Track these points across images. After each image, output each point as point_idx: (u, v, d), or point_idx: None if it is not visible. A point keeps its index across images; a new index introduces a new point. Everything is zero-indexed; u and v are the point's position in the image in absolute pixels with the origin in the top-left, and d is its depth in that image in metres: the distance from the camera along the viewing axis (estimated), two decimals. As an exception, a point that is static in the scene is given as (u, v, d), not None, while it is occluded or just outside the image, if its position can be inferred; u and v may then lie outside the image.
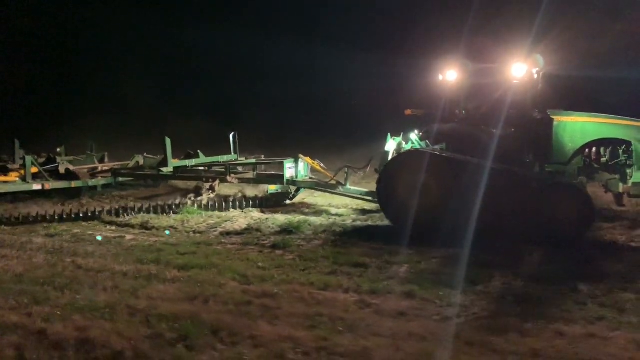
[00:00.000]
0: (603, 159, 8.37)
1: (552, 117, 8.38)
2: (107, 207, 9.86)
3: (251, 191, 11.21)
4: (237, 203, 10.41)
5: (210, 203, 10.37)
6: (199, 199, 10.71)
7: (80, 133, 15.16)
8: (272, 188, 10.73)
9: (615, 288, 5.70)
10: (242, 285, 5.92)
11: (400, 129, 9.98)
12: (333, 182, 10.47)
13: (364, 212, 10.16)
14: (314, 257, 7.02)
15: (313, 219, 9.43)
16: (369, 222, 9.36)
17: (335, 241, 7.97)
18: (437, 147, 9.00)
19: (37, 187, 10.20)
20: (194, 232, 8.70)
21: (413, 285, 5.82)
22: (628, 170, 8.12)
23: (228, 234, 8.54)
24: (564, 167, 8.46)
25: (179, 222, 9.20)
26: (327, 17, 25.76)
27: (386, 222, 8.81)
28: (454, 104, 9.03)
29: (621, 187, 8.16)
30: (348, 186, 10.32)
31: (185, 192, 11.63)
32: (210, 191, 11.08)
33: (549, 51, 8.41)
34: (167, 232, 8.64)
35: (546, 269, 6.47)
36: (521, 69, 8.23)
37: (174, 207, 9.89)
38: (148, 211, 9.73)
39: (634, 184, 8.01)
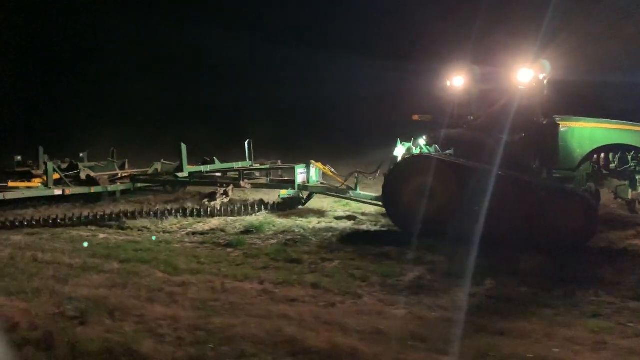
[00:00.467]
0: (612, 165, 8.31)
1: (558, 122, 8.35)
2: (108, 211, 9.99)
3: (267, 196, 11.43)
4: (250, 208, 10.62)
5: (223, 208, 10.60)
6: (212, 203, 10.96)
7: (104, 139, 15.61)
8: (284, 193, 10.91)
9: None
10: (167, 276, 6.34)
11: (411, 135, 10.06)
12: (344, 187, 10.60)
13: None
14: (257, 254, 7.40)
15: (284, 222, 9.58)
16: (364, 227, 9.40)
17: (290, 240, 8.22)
18: (447, 152, 9.06)
19: (58, 192, 10.61)
20: (164, 231, 9.00)
21: (326, 278, 6.24)
22: (637, 177, 8.05)
23: (194, 233, 8.84)
24: (573, 173, 8.42)
25: (155, 223, 9.45)
26: (338, 24, 26.05)
27: (377, 227, 8.96)
28: (461, 109, 9.07)
29: (630, 194, 8.08)
30: (358, 191, 10.43)
31: (201, 197, 11.92)
32: (224, 196, 11.32)
33: (556, 57, 8.38)
34: (154, 238, 8.63)
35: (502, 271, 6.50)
36: (527, 75, 8.24)
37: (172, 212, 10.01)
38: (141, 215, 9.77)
39: (644, 190, 7.94)
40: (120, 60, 27.42)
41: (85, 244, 8.01)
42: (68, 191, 10.77)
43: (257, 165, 12.74)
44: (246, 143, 12.95)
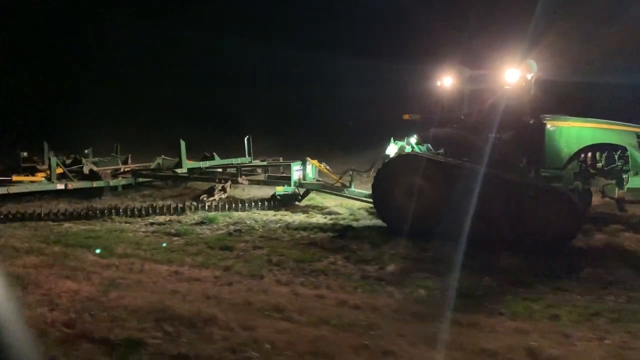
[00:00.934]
0: (599, 164, 8.37)
1: (544, 122, 8.44)
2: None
3: (266, 192, 11.68)
4: (246, 204, 10.85)
5: (220, 204, 10.84)
6: (210, 199, 11.22)
7: (110, 137, 15.93)
8: (280, 189, 11.11)
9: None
10: (97, 258, 6.83)
11: (404, 134, 10.22)
12: (338, 184, 10.79)
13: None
14: (197, 242, 7.80)
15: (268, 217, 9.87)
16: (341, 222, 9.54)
17: (237, 231, 8.58)
18: (439, 151, 9.20)
19: (60, 186, 10.93)
20: (125, 222, 9.40)
21: (243, 263, 6.72)
22: (624, 176, 8.11)
23: (152, 223, 9.22)
24: (560, 172, 8.50)
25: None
26: (334, 26, 26.46)
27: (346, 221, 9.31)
28: (451, 109, 9.20)
29: (617, 193, 8.14)
30: (352, 188, 10.62)
31: (200, 193, 12.18)
32: (222, 192, 11.56)
33: (543, 57, 8.47)
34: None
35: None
36: (514, 75, 8.34)
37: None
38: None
39: (630, 189, 8.00)
40: (128, 61, 27.92)
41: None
42: (70, 185, 11.08)
43: (256, 162, 13.00)
44: (245, 140, 13.19)
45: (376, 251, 7.43)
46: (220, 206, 10.53)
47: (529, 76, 8.49)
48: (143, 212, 9.89)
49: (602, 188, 8.42)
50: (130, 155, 13.99)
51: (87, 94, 26.38)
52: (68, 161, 12.65)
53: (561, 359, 4.04)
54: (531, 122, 8.52)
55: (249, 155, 13.08)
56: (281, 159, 13.44)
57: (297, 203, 11.35)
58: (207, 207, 10.52)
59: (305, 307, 5.14)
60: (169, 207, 10.12)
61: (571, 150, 8.38)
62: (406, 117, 9.70)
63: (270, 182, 11.40)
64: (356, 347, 4.23)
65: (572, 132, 8.39)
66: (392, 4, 24.20)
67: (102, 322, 4.63)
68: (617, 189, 8.15)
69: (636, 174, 7.97)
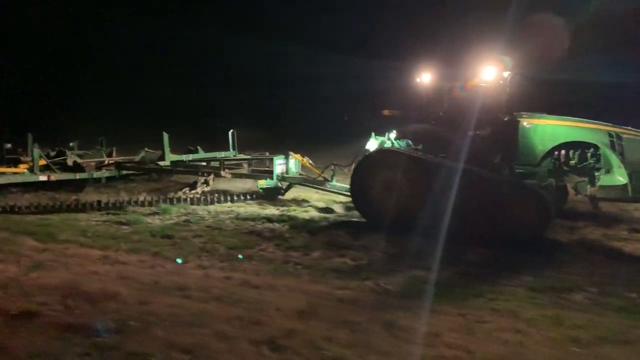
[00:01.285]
0: (572, 162, 8.52)
1: (518, 119, 8.57)
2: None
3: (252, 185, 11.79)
4: (229, 197, 10.95)
5: (202, 197, 10.92)
6: (193, 192, 11.29)
7: (99, 129, 15.96)
8: (262, 183, 11.20)
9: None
10: (38, 244, 7.22)
11: (386, 129, 10.32)
12: (320, 178, 10.90)
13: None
14: (143, 231, 8.09)
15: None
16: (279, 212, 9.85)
17: (186, 221, 8.91)
18: (418, 147, 9.32)
19: (43, 178, 10.97)
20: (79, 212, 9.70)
21: (175, 249, 7.07)
22: (596, 173, 8.26)
23: (108, 213, 9.49)
24: (535, 169, 8.64)
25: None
26: (318, 23, 26.71)
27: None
28: (429, 105, 9.30)
29: (589, 190, 8.31)
30: (334, 182, 10.74)
31: (185, 186, 12.25)
32: (205, 185, 11.63)
33: (518, 54, 8.58)
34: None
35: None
36: (491, 72, 8.46)
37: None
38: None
39: (601, 186, 8.18)
40: (119, 60, 27.95)
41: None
42: (53, 177, 11.12)
43: (240, 156, 13.08)
44: (230, 134, 13.27)
45: (308, 239, 7.81)
46: (202, 199, 10.65)
47: (505, 74, 8.62)
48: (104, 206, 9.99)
49: (575, 185, 8.58)
50: (115, 148, 14.00)
51: (75, 87, 26.35)
52: (53, 153, 12.66)
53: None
54: (506, 119, 8.64)
55: (234, 149, 13.15)
56: (267, 153, 13.53)
57: (280, 197, 11.48)
58: (189, 199, 10.64)
59: (208, 287, 5.55)
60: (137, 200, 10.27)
61: (545, 147, 8.52)
62: (386, 112, 9.82)
63: (252, 175, 11.48)
64: (231, 318, 4.70)
65: (547, 130, 8.52)
66: (374, 2, 24.47)
67: (12, 297, 5.03)
68: (589, 186, 8.33)
69: (608, 171, 8.14)
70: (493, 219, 7.88)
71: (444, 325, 4.72)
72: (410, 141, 9.75)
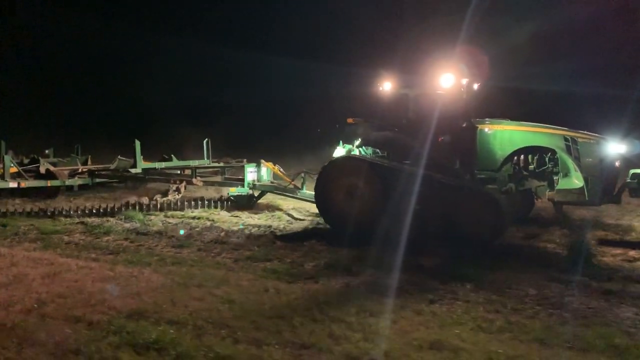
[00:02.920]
0: (531, 167, 8.64)
1: (476, 125, 8.71)
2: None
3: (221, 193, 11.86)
4: (200, 203, 10.98)
5: (173, 203, 10.96)
6: (164, 199, 11.33)
7: (74, 137, 16.02)
8: (233, 191, 11.26)
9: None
10: None
11: (351, 137, 10.41)
12: (291, 186, 10.97)
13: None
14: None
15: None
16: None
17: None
18: (379, 154, 9.43)
19: (13, 185, 10.99)
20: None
21: (79, 249, 7.74)
22: (554, 177, 8.37)
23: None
24: (495, 174, 8.75)
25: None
26: (286, 30, 27.16)
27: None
28: (390, 113, 9.41)
29: (547, 194, 8.41)
30: (304, 190, 10.80)
31: (155, 193, 12.30)
32: (177, 192, 11.68)
33: (474, 63, 8.76)
34: None
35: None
36: (449, 79, 8.60)
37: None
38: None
39: (559, 190, 8.27)
40: (92, 65, 28.21)
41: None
42: (23, 184, 11.15)
43: (215, 163, 13.15)
44: (204, 142, 13.37)
45: (196, 238, 8.50)
46: (172, 205, 10.70)
47: (463, 81, 8.78)
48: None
49: (535, 189, 8.68)
50: (90, 156, 14.04)
51: (51, 94, 26.44)
52: (26, 161, 12.70)
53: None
54: (464, 125, 8.77)
55: (208, 158, 13.24)
56: (245, 160, 13.62)
57: (251, 204, 11.52)
58: (159, 206, 10.69)
59: (56, 272, 6.26)
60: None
61: (505, 152, 8.63)
62: (350, 120, 9.93)
63: (224, 183, 11.54)
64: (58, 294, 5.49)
65: (505, 135, 8.64)
66: (334, 8, 24.85)
67: None
68: (547, 190, 8.43)
69: (565, 175, 8.24)
70: (452, 224, 7.99)
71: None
72: (377, 149, 9.89)
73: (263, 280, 6.31)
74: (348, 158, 9.14)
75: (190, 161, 12.96)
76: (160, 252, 7.73)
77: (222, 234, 8.84)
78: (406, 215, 7.96)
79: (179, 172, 12.56)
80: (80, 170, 13.02)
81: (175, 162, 12.73)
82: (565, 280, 6.31)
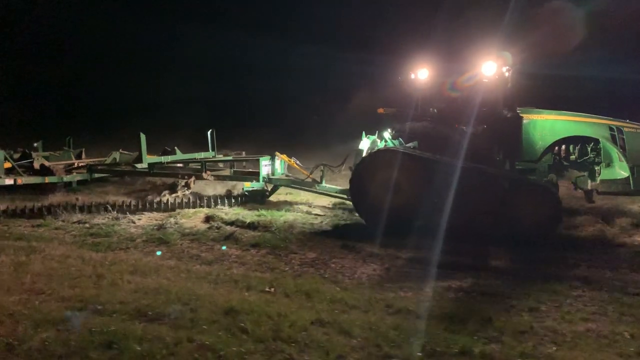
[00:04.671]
0: (572, 157, 8.46)
1: (521, 115, 8.43)
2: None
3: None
4: (212, 200, 10.35)
5: (184, 200, 10.30)
6: (173, 195, 10.65)
7: (61, 130, 15.02)
8: (248, 185, 10.69)
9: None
10: None
11: (376, 128, 10.00)
12: (309, 179, 10.48)
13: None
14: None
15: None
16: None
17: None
18: (410, 145, 9.02)
19: (9, 182, 10.08)
20: None
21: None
22: (596, 168, 8.21)
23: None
24: (534, 164, 8.52)
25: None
26: (304, 16, 26.08)
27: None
28: (426, 102, 9.05)
29: (590, 184, 8.23)
30: (323, 184, 10.33)
31: (162, 189, 11.58)
32: (186, 188, 11.00)
33: (518, 50, 8.46)
34: None
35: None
36: (491, 67, 8.29)
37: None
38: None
39: (602, 181, 8.12)
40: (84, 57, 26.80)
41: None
42: (20, 180, 10.25)
43: (220, 157, 12.51)
44: (208, 133, 12.69)
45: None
46: (184, 203, 10.04)
47: (504, 69, 8.47)
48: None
49: (575, 180, 8.48)
50: (84, 150, 13.14)
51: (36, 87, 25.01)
52: (16, 155, 11.72)
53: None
54: (508, 115, 8.48)
55: (213, 150, 12.57)
56: (244, 153, 13.00)
57: (265, 199, 10.97)
58: (169, 204, 10.01)
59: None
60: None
61: (545, 142, 8.42)
62: (380, 111, 9.51)
63: (237, 177, 10.93)
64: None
65: (547, 125, 8.43)
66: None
67: None
68: (589, 180, 8.25)
69: (608, 165, 8.08)
70: (500, 218, 7.70)
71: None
72: (401, 140, 9.50)
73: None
74: (389, 150, 8.68)
75: (196, 154, 12.25)
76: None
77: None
78: (450, 209, 7.64)
79: (180, 165, 11.91)
80: (76, 164, 12.15)
81: (180, 156, 12.00)
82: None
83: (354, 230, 8.52)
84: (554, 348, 4.27)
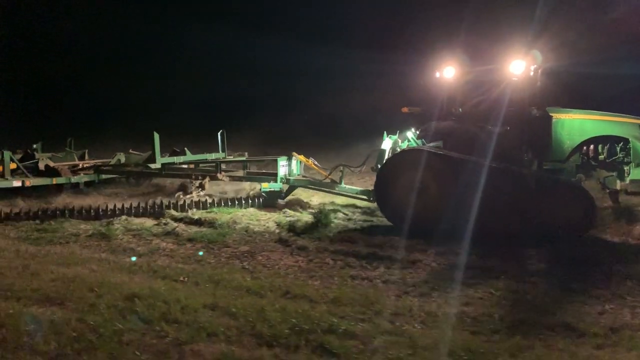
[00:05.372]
0: (601, 156, 8.46)
1: (551, 114, 8.41)
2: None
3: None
4: (229, 202, 10.09)
5: (201, 201, 10.00)
6: (187, 197, 10.36)
7: (55, 130, 14.53)
8: (265, 186, 10.45)
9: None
10: None
11: (397, 127, 9.90)
12: (328, 180, 10.30)
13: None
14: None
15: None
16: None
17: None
18: (432, 144, 8.93)
19: (17, 184, 9.68)
20: None
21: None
22: (626, 168, 8.20)
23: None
24: (562, 164, 8.50)
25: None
26: (322, 14, 25.60)
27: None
28: (451, 101, 8.97)
29: (619, 184, 8.25)
30: (343, 185, 10.16)
31: (169, 191, 11.28)
32: (200, 189, 10.72)
33: (546, 48, 8.44)
34: None
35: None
36: (520, 66, 8.25)
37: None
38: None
39: (632, 181, 8.13)
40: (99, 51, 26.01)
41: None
42: (28, 182, 9.84)
43: (234, 157, 12.24)
44: (219, 134, 12.42)
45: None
46: (197, 204, 9.75)
47: (533, 67, 8.45)
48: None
49: (604, 180, 8.50)
50: (87, 151, 12.71)
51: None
52: (17, 156, 11.25)
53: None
54: (537, 114, 8.45)
55: (223, 151, 12.30)
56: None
57: (280, 201, 10.75)
58: (186, 206, 9.71)
59: None
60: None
61: (574, 142, 8.39)
62: (405, 110, 9.40)
63: (254, 178, 10.69)
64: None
65: (575, 125, 8.40)
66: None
67: None
68: (618, 180, 8.27)
69: (638, 165, 8.10)
70: (532, 219, 7.65)
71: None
72: (423, 140, 9.40)
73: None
74: (417, 150, 8.56)
75: (207, 155, 11.96)
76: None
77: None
78: (482, 210, 7.56)
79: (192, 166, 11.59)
80: (81, 165, 11.74)
81: (190, 156, 11.69)
82: None
83: (299, 226, 8.50)
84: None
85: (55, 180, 10.33)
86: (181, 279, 5.89)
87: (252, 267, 6.61)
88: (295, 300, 5.27)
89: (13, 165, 10.11)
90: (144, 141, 13.20)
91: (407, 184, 8.29)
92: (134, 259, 6.76)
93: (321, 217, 8.59)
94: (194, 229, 8.41)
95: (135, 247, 7.41)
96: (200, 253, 7.29)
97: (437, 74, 9.10)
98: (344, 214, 9.73)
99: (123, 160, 12.20)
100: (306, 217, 9.23)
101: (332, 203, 10.46)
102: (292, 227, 8.42)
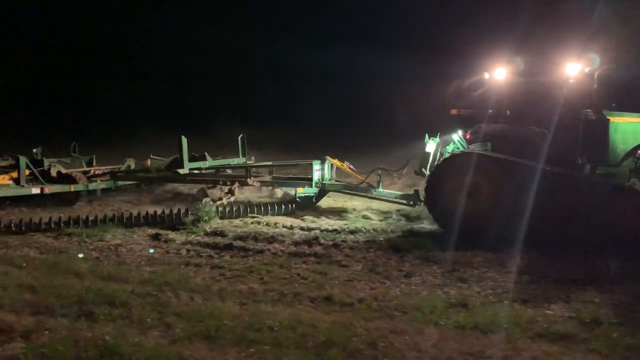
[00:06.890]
0: (654, 161, 8.47)
1: (608, 117, 8.37)
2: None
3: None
4: (262, 209, 9.58)
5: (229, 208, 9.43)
6: (218, 203, 9.76)
7: (55, 134, 13.54)
8: (300, 191, 10.01)
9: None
10: None
11: (437, 130, 9.66)
12: (364, 184, 9.97)
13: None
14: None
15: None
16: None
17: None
18: (478, 146, 8.74)
19: (36, 191, 8.88)
20: None
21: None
22: (679, 172, 8.27)
23: None
24: (615, 169, 8.46)
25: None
26: (365, 15, 25.03)
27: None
28: (502, 103, 8.81)
29: (672, 190, 8.28)
30: (381, 189, 9.85)
31: (188, 196, 10.66)
32: (230, 195, 10.14)
33: (602, 50, 8.40)
34: None
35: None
36: (575, 68, 8.18)
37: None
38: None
39: (687, 186, 8.17)
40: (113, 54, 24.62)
41: None
42: (47, 190, 9.02)
43: (250, 162, 11.70)
44: (239, 138, 11.87)
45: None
46: (228, 211, 9.20)
47: (586, 70, 8.39)
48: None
49: (655, 185, 8.52)
50: (94, 156, 11.85)
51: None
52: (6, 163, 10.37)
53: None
54: (593, 117, 8.39)
55: (243, 156, 11.76)
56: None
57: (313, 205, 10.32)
58: (219, 211, 9.15)
59: None
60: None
61: (627, 146, 8.34)
62: (454, 112, 9.19)
63: (287, 183, 10.23)
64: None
65: (629, 128, 8.36)
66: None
67: None
68: (671, 185, 8.31)
69: (690, 170, 8.17)
70: (596, 225, 7.53)
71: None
72: (466, 143, 9.22)
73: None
74: (471, 154, 8.34)
75: (229, 160, 11.39)
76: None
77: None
78: (537, 215, 7.42)
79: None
80: (93, 172, 10.92)
81: (211, 162, 11.07)
82: None
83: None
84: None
85: (73, 187, 9.53)
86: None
87: (118, 257, 6.84)
88: (113, 280, 5.72)
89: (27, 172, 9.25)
90: (144, 146, 12.52)
91: (458, 187, 8.07)
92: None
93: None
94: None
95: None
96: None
97: (486, 75, 8.94)
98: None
99: (133, 165, 11.50)
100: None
101: (369, 209, 10.11)
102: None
